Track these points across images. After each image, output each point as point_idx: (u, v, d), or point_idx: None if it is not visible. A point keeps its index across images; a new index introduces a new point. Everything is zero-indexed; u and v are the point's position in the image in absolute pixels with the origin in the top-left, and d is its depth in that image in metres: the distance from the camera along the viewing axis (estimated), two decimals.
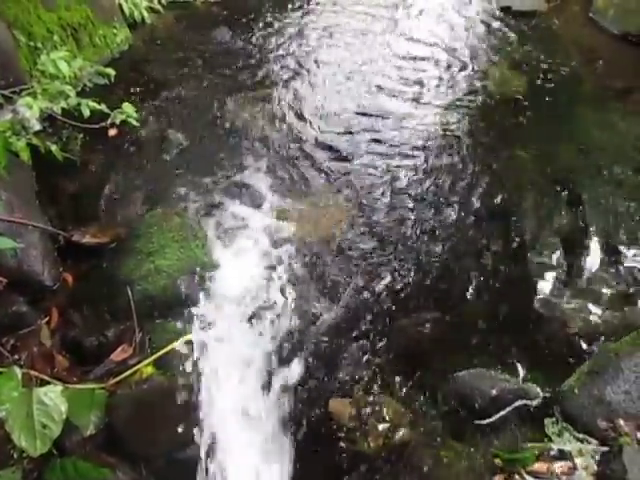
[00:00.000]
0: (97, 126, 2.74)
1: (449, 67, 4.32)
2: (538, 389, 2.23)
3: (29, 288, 2.36)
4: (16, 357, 2.17)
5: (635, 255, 2.81)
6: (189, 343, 2.19)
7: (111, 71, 2.94)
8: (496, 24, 5.01)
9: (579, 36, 4.95)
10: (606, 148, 3.55)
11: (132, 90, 3.78)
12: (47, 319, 2.33)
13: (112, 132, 2.78)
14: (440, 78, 4.18)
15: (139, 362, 2.10)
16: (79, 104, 2.64)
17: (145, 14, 4.64)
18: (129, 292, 2.36)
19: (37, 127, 2.92)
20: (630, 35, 4.78)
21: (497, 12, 5.19)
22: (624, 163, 3.41)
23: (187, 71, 4.06)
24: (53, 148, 2.85)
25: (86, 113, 2.70)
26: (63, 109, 2.75)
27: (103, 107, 2.72)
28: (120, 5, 4.41)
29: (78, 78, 3.01)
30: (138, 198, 2.91)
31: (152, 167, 3.14)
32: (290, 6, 5.14)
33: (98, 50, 4.01)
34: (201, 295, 2.43)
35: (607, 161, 3.42)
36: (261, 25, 4.75)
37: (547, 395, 2.21)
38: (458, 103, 3.91)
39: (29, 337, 2.26)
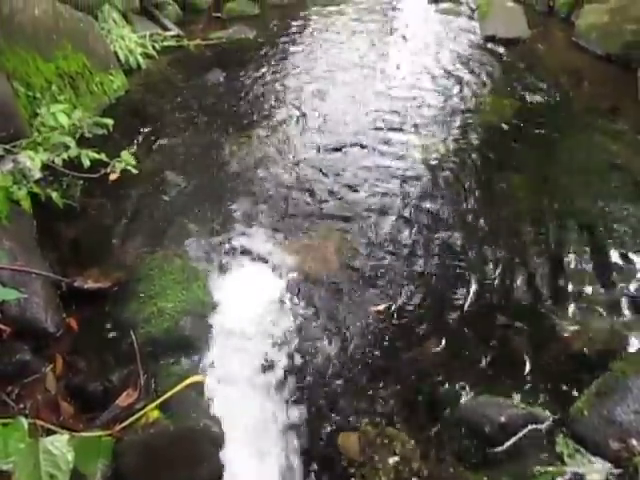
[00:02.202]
0: (97, 175, 2.78)
1: (438, 96, 4.41)
2: (547, 412, 2.20)
3: (33, 336, 2.36)
4: (21, 406, 2.16)
5: (633, 273, 2.82)
6: (194, 385, 2.18)
7: (109, 121, 3.00)
8: (482, 52, 5.13)
9: (564, 59, 5.07)
10: (596, 168, 3.60)
11: (130, 134, 3.85)
12: (52, 366, 2.32)
13: (113, 177, 2.81)
14: (430, 106, 4.27)
15: (145, 406, 2.08)
16: (79, 155, 2.69)
17: (140, 60, 4.77)
18: (133, 335, 2.36)
19: (37, 175, 2.97)
20: (613, 56, 4.90)
21: (482, 41, 5.33)
22: (614, 182, 3.46)
23: (182, 113, 4.15)
24: (53, 195, 2.90)
25: (86, 163, 2.76)
26: (64, 159, 2.81)
27: (103, 156, 2.78)
28: (116, 52, 4.54)
29: (78, 127, 3.06)
30: (138, 241, 2.93)
31: (151, 210, 3.18)
32: (281, 46, 5.28)
33: (95, 97, 4.10)
34: (204, 336, 2.43)
35: (598, 180, 3.47)
36: (253, 66, 4.86)
37: (556, 418, 2.19)
38: (449, 130, 3.98)
39: (34, 385, 2.25)
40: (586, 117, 4.19)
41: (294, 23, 5.84)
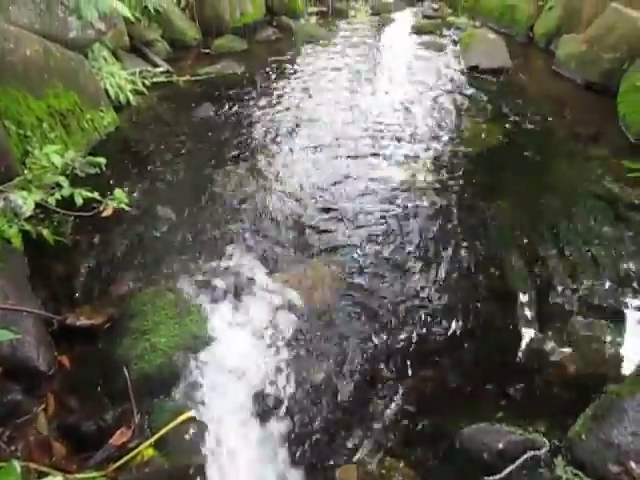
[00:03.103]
0: (90, 214, 2.78)
1: (425, 124, 4.50)
2: (545, 438, 2.19)
3: (24, 375, 2.33)
4: (13, 448, 2.12)
5: (623, 295, 2.86)
6: (189, 421, 2.15)
7: (102, 160, 3.03)
8: (467, 82, 5.26)
9: (545, 88, 5.21)
10: (580, 192, 3.68)
11: (121, 170, 3.88)
12: (43, 406, 2.29)
13: (106, 213, 2.82)
14: (417, 135, 4.35)
15: (139, 445, 2.06)
16: (72, 194, 2.70)
17: (130, 96, 4.83)
18: (126, 372, 2.34)
19: (29, 213, 2.97)
20: (593, 84, 5.04)
21: (466, 71, 5.47)
22: (599, 206, 3.53)
23: (173, 148, 4.19)
24: (44, 232, 2.89)
25: (79, 202, 2.77)
26: (57, 199, 2.82)
27: (95, 195, 2.79)
28: (106, 89, 4.60)
29: (71, 167, 3.08)
30: (131, 276, 2.93)
31: (143, 245, 3.18)
32: (269, 81, 5.37)
33: (86, 134, 4.14)
34: (198, 371, 2.41)
35: (582, 204, 3.54)
36: (242, 101, 4.94)
37: (555, 443, 2.18)
38: (438, 158, 4.05)
39: (25, 426, 2.21)
40: (569, 143, 4.28)
41: (281, 58, 5.96)
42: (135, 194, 3.62)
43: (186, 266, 3.00)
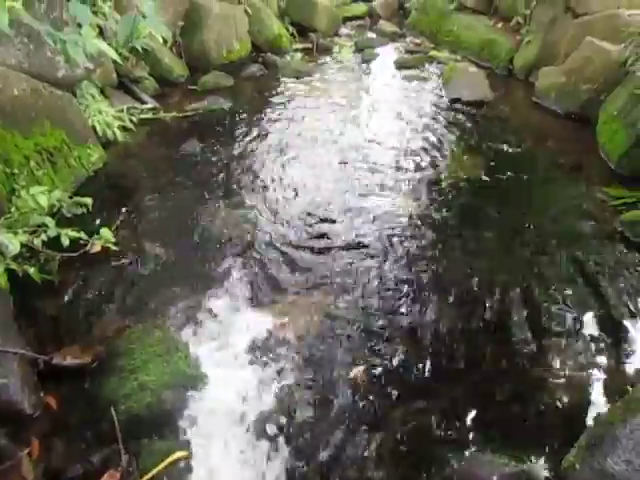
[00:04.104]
0: (76, 254, 2.78)
1: (410, 156, 4.57)
2: (538, 469, 2.18)
3: (9, 419, 2.28)
4: None
5: (612, 322, 2.88)
6: (179, 462, 2.11)
7: (88, 200, 3.02)
8: (449, 114, 5.37)
9: (527, 118, 5.33)
10: (563, 220, 3.74)
11: (108, 207, 3.87)
12: (28, 450, 2.23)
13: (94, 250, 2.81)
14: (402, 167, 4.41)
15: None
16: (59, 234, 2.70)
17: (118, 133, 4.86)
18: (113, 413, 2.30)
19: (15, 252, 2.94)
20: (572, 114, 5.17)
21: (449, 104, 5.58)
22: (584, 232, 3.58)
23: (160, 184, 4.20)
24: (31, 271, 2.87)
25: (65, 243, 2.76)
26: (43, 240, 2.81)
27: (82, 234, 2.78)
28: (94, 126, 4.63)
29: (58, 207, 3.08)
30: (118, 314, 2.90)
31: (131, 281, 3.16)
32: (254, 116, 5.44)
33: (74, 170, 4.15)
34: (187, 410, 2.38)
35: (567, 231, 3.60)
36: (228, 136, 4.99)
37: (549, 474, 2.16)
38: (422, 190, 4.10)
39: (9, 472, 2.15)
40: (551, 172, 4.37)
41: (267, 94, 6.05)
42: (122, 231, 3.61)
43: (174, 303, 2.99)
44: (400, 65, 6.91)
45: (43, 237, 2.73)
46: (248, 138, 4.95)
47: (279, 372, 2.59)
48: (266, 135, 5.03)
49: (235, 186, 4.17)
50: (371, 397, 2.49)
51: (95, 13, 5.41)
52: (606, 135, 4.52)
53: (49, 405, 2.43)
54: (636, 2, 5.56)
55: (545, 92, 5.52)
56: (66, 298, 3.02)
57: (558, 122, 5.17)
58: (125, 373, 2.46)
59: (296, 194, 4.07)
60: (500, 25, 6.97)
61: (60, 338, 2.77)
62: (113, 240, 2.80)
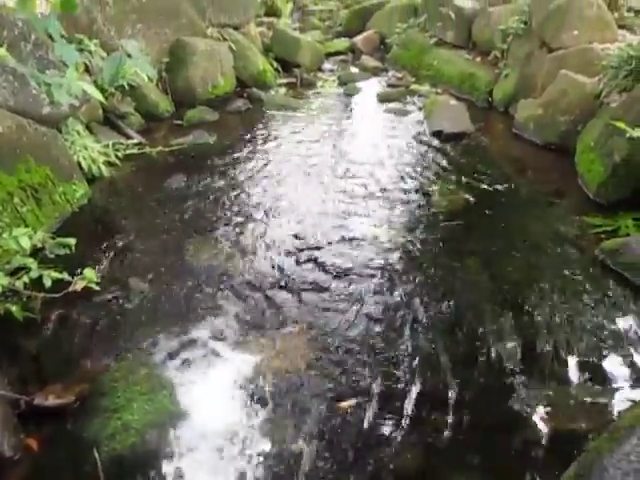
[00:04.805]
0: (58, 295, 2.76)
1: (392, 188, 4.62)
2: None
3: None
4: None
5: (599, 350, 2.90)
6: None
7: (71, 241, 3.01)
8: (431, 147, 5.47)
9: (507, 149, 5.45)
10: (545, 248, 3.79)
11: (92, 243, 3.87)
12: None
13: (78, 287, 2.79)
14: (385, 199, 4.45)
15: None
16: (41, 276, 2.68)
17: (103, 168, 4.88)
18: (96, 454, 2.25)
19: None
20: (551, 144, 5.29)
21: (430, 136, 5.69)
22: (565, 260, 3.63)
23: (145, 219, 4.21)
24: (13, 309, 2.84)
25: (48, 284, 2.74)
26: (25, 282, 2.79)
27: (65, 275, 2.77)
28: (79, 162, 4.65)
29: (40, 248, 3.07)
30: (102, 351, 2.87)
31: (115, 318, 3.13)
32: (240, 150, 5.50)
33: (58, 207, 4.15)
34: (172, 448, 2.34)
35: (548, 260, 3.64)
36: (214, 170, 5.02)
37: None
38: (405, 222, 4.14)
39: None
40: (532, 201, 4.44)
41: (251, 128, 6.12)
42: (107, 267, 3.60)
43: (159, 339, 2.96)
44: (382, 99, 7.05)
45: (25, 279, 2.71)
46: (233, 172, 5.00)
47: (265, 408, 2.57)
48: (251, 168, 5.07)
49: (220, 220, 4.19)
50: (359, 433, 2.47)
51: (81, 51, 5.51)
52: (584, 165, 4.63)
53: (30, 447, 2.37)
54: (608, 37, 5.77)
55: (524, 123, 5.66)
56: (49, 336, 2.99)
57: (537, 152, 5.29)
58: (108, 412, 2.42)
59: (281, 226, 4.09)
60: (479, 59, 7.17)
61: (43, 377, 2.73)
62: (96, 280, 2.78)
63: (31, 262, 2.75)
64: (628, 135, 3.81)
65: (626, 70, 4.64)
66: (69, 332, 3.02)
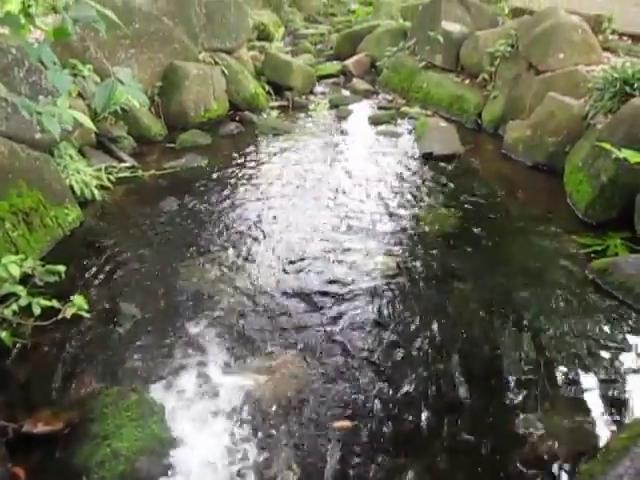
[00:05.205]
0: (47, 322, 2.75)
1: (384, 210, 4.65)
2: None
3: None
4: None
5: (591, 372, 2.91)
6: None
7: (61, 268, 3.02)
8: (422, 168, 5.53)
9: (497, 170, 5.51)
10: (536, 268, 3.81)
11: (83, 267, 3.86)
12: None
13: (67, 314, 2.78)
14: (376, 221, 4.48)
15: None
16: (30, 303, 2.68)
17: (95, 192, 4.89)
18: None
19: None
20: (540, 165, 5.37)
21: (421, 158, 5.75)
22: (555, 281, 3.66)
23: (137, 242, 4.21)
24: (2, 335, 2.82)
25: (37, 312, 2.74)
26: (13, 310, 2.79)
27: (54, 303, 2.77)
28: (71, 186, 4.66)
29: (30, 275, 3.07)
30: (92, 377, 2.84)
31: (106, 343, 3.12)
32: (232, 173, 5.52)
33: (50, 231, 4.15)
34: (163, 476, 2.31)
35: (538, 282, 3.66)
36: (206, 193, 5.04)
37: None
38: (396, 244, 4.15)
39: None
40: (522, 222, 4.48)
41: (244, 151, 6.15)
42: (98, 291, 3.59)
43: (150, 364, 2.94)
44: (373, 121, 7.13)
45: (14, 307, 2.70)
46: (225, 195, 5.02)
47: (257, 434, 2.54)
48: (243, 192, 5.10)
49: (212, 243, 4.19)
50: (354, 457, 2.45)
51: (75, 75, 5.56)
52: (572, 185, 4.69)
53: (17, 476, 2.34)
54: (593, 59, 5.89)
55: (513, 145, 5.74)
56: (38, 361, 2.96)
57: (527, 173, 5.35)
58: (98, 439, 2.39)
59: (273, 249, 4.10)
60: (467, 82, 7.28)
61: (32, 404, 2.70)
62: (86, 307, 2.78)
63: (20, 290, 2.75)
64: (614, 156, 3.85)
65: (611, 92, 4.73)
66: (59, 357, 2.99)
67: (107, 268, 3.85)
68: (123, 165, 5.51)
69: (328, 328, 3.26)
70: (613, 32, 6.49)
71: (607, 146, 3.91)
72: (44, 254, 3.94)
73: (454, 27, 7.55)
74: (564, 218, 4.47)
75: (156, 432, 2.45)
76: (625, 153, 3.70)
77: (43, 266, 2.99)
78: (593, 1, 8.06)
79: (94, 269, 3.84)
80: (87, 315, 2.79)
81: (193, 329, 3.24)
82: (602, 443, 2.49)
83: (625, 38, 6.40)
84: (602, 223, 4.23)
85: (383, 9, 11.33)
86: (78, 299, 2.68)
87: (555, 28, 6.01)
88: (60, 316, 2.68)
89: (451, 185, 5.13)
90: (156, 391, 2.74)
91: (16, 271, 2.69)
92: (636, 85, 4.55)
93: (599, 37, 6.29)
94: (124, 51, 6.35)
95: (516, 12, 7.78)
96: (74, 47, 5.70)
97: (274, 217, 4.59)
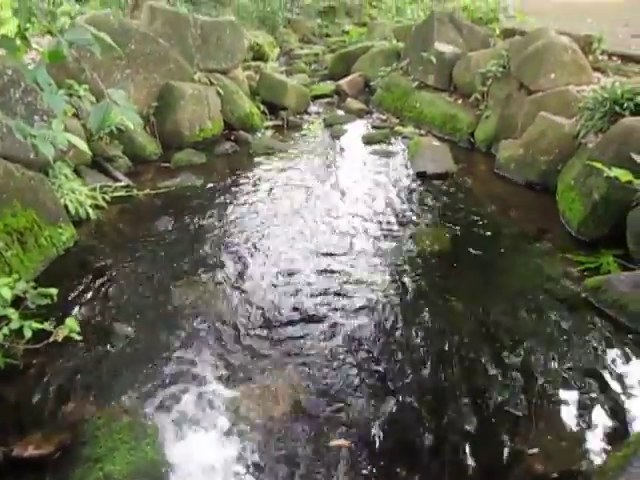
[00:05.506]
0: (39, 345, 2.74)
1: (378, 229, 4.66)
2: None
3: None
4: None
5: (585, 390, 2.90)
6: None
7: (53, 291, 3.02)
8: (416, 187, 5.56)
9: (490, 189, 5.54)
10: (529, 286, 3.82)
11: (77, 286, 3.85)
12: None
13: (59, 337, 2.77)
14: (371, 239, 4.49)
15: None
16: (22, 326, 2.67)
17: (90, 211, 4.89)
18: None
19: None
20: (533, 183, 5.41)
21: (415, 177, 5.79)
22: (549, 299, 3.67)
23: (131, 261, 4.20)
24: None
25: (28, 335, 2.73)
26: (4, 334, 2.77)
27: (46, 325, 2.76)
28: (66, 205, 4.66)
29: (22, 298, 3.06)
30: (84, 399, 2.81)
31: (99, 364, 3.09)
32: (226, 193, 5.54)
33: (44, 250, 4.14)
34: None
35: (532, 298, 3.67)
36: (200, 213, 5.05)
37: None
38: (390, 262, 4.16)
39: None
40: (516, 239, 4.50)
41: (238, 170, 6.18)
42: (92, 310, 3.57)
43: (143, 385, 2.92)
44: (367, 140, 7.18)
45: (5, 331, 2.69)
46: (220, 214, 5.03)
47: (250, 456, 2.52)
48: (237, 211, 5.11)
49: (207, 262, 4.19)
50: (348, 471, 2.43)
51: (70, 95, 5.60)
52: (565, 203, 4.72)
53: None
54: (584, 79, 5.98)
55: (506, 163, 5.78)
56: (30, 383, 2.93)
57: (519, 191, 5.39)
58: (90, 462, 2.37)
59: (267, 268, 4.10)
60: (460, 101, 7.36)
61: (22, 426, 2.67)
62: (78, 330, 2.77)
63: (12, 313, 2.74)
64: (605, 174, 3.91)
65: (601, 112, 4.79)
66: (51, 379, 2.96)
67: (101, 287, 3.84)
68: (118, 184, 5.53)
69: (322, 346, 3.24)
70: (603, 52, 6.59)
71: (598, 165, 3.97)
72: (38, 274, 3.93)
73: (446, 48, 7.66)
74: (557, 236, 4.50)
75: (149, 455, 2.42)
76: (615, 172, 3.76)
77: (35, 288, 2.98)
78: (583, 22, 8.22)
79: (88, 288, 3.83)
80: (79, 338, 2.77)
81: (187, 349, 3.22)
82: (598, 462, 2.48)
83: (614, 58, 6.49)
84: (595, 240, 4.26)
85: (377, 30, 11.49)
86: (70, 322, 2.68)
87: (546, 49, 6.11)
88: (51, 339, 2.66)
89: (444, 204, 5.16)
90: (149, 413, 2.71)
91: (8, 294, 2.68)
92: (625, 105, 4.61)
93: (589, 57, 6.39)
94: (120, 71, 6.41)
95: (507, 33, 7.92)
96: (70, 68, 5.74)
97: (268, 236, 4.59)
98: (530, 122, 5.68)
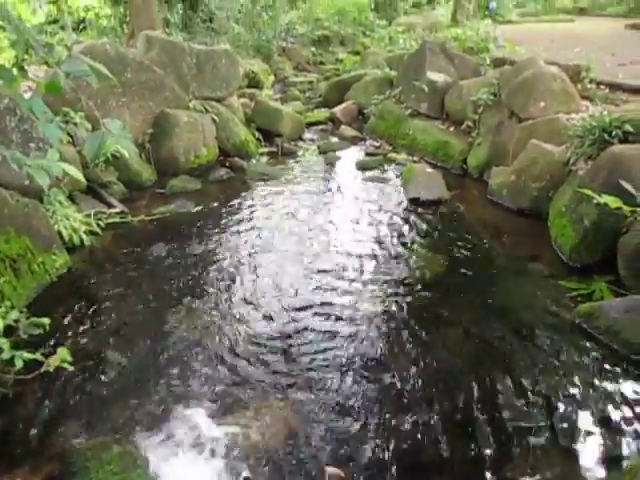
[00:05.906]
0: (30, 376, 2.72)
1: (371, 255, 4.68)
2: None
3: None
4: None
5: (576, 414, 2.90)
6: None
7: (46, 321, 3.01)
8: (409, 213, 5.60)
9: (482, 215, 5.59)
10: (523, 313, 3.84)
11: (70, 312, 3.83)
12: None
13: (50, 367, 2.74)
14: (363, 266, 4.50)
15: None
16: (13, 357, 2.65)
17: (84, 237, 4.90)
18: None
19: None
20: (525, 209, 5.46)
21: (408, 203, 5.83)
22: (542, 325, 3.68)
23: (124, 288, 4.18)
24: None
25: (19, 365, 2.71)
26: None
27: (37, 355, 2.75)
28: (60, 232, 4.66)
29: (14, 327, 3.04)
30: (74, 429, 2.78)
31: (90, 393, 3.06)
32: (221, 219, 5.56)
33: (37, 277, 4.13)
34: None
35: (526, 325, 3.68)
36: (195, 239, 5.06)
37: None
38: (383, 290, 4.16)
39: None
40: (509, 266, 4.53)
41: (233, 196, 6.20)
42: (84, 338, 3.55)
43: (135, 414, 2.88)
44: (361, 167, 7.25)
45: None
46: (214, 241, 5.04)
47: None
48: (232, 238, 5.12)
49: (200, 289, 4.18)
50: None
51: (66, 123, 5.64)
52: (557, 229, 4.77)
53: None
54: (573, 107, 6.09)
55: (498, 190, 5.85)
56: (19, 412, 2.90)
57: (511, 217, 5.44)
58: None
59: (261, 295, 4.09)
60: (452, 129, 7.47)
61: (11, 458, 2.62)
62: (69, 360, 2.76)
63: (4, 342, 2.72)
64: (595, 201, 3.96)
65: (590, 139, 4.88)
66: (41, 408, 2.92)
67: (94, 315, 3.82)
68: (112, 211, 5.54)
69: (316, 374, 3.23)
70: (591, 81, 6.73)
71: (588, 192, 4.03)
72: (30, 300, 3.92)
73: (438, 77, 7.80)
74: (549, 262, 4.53)
75: None
76: (605, 199, 3.82)
77: (28, 318, 2.97)
78: (571, 51, 8.41)
79: (80, 316, 3.81)
80: (71, 368, 2.75)
81: (180, 378, 3.19)
82: None
83: (602, 87, 6.62)
84: (587, 266, 4.29)
85: (370, 59, 11.69)
86: (62, 351, 2.66)
87: (535, 78, 6.24)
88: (43, 369, 2.64)
89: (438, 230, 5.20)
90: (140, 443, 2.68)
91: None
92: (614, 133, 4.70)
93: (578, 86, 6.53)
94: (116, 99, 6.47)
95: (497, 62, 8.09)
96: (66, 96, 5.80)
97: (262, 264, 4.59)
98: (521, 149, 5.76)
